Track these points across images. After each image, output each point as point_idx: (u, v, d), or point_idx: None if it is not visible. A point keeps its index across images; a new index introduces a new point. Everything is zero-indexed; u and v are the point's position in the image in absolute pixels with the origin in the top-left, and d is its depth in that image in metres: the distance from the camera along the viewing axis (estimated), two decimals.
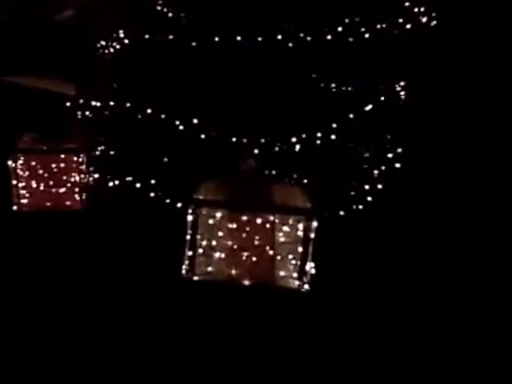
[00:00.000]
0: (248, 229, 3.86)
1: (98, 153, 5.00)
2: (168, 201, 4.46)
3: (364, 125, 4.73)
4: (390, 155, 4.83)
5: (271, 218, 3.85)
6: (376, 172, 4.78)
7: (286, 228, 3.85)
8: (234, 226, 3.87)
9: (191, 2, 4.49)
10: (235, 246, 3.88)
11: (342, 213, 4.59)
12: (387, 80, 4.96)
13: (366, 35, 4.53)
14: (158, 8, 4.58)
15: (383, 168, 4.80)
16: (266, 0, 4.28)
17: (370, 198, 4.68)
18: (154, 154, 4.52)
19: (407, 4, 4.74)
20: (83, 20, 6.49)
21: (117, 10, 5.07)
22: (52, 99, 6.29)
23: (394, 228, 4.88)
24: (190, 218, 3.88)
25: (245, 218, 3.85)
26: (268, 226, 3.85)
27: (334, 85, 4.62)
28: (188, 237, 3.92)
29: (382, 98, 4.93)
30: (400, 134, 4.91)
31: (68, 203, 5.34)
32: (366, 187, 4.69)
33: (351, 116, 4.69)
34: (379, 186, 4.71)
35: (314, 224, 3.83)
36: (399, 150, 4.84)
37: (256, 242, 3.87)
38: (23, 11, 10.97)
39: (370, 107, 4.79)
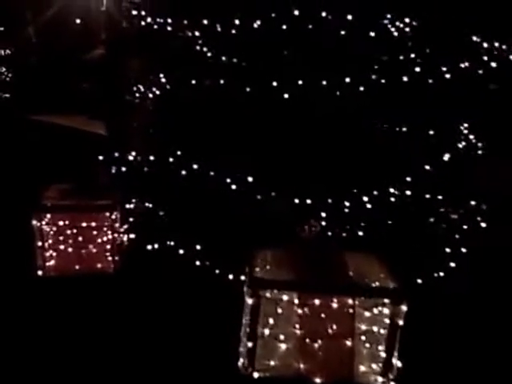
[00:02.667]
0: (320, 314, 3.18)
1: (133, 208, 4.44)
2: (217, 272, 3.85)
3: (441, 177, 4.08)
4: (473, 213, 4.18)
5: (349, 300, 3.17)
6: (457, 231, 4.13)
7: (367, 313, 3.17)
8: (304, 310, 3.19)
9: (239, 41, 3.86)
10: (305, 335, 3.20)
11: (419, 281, 3.94)
12: (468, 125, 4.31)
13: (447, 75, 3.89)
14: (205, 49, 3.96)
15: (466, 227, 4.14)
16: (335, 35, 3.66)
17: (452, 264, 4.01)
18: (200, 216, 3.90)
19: (490, 42, 4.11)
20: (117, 59, 6.05)
21: (153, 49, 4.49)
22: (82, 148, 5.79)
23: (487, 299, 4.16)
24: (249, 301, 3.21)
25: (316, 301, 3.17)
26: (345, 310, 3.17)
27: (408, 133, 3.98)
28: (246, 323, 3.25)
29: (461, 146, 4.31)
30: (482, 187, 4.25)
31: (99, 266, 4.72)
32: (448, 250, 4.04)
33: (427, 167, 4.06)
34: (463, 250, 4.05)
35: (403, 308, 3.14)
36: (483, 207, 4.19)
37: (330, 330, 3.19)
38: (56, 50, 10.71)
39: (447, 157, 4.16)
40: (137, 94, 4.50)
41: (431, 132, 4.05)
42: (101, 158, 4.20)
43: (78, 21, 11.90)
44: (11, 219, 5.41)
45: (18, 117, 9.45)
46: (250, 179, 3.67)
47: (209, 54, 3.95)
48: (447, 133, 4.17)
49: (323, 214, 3.69)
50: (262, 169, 3.66)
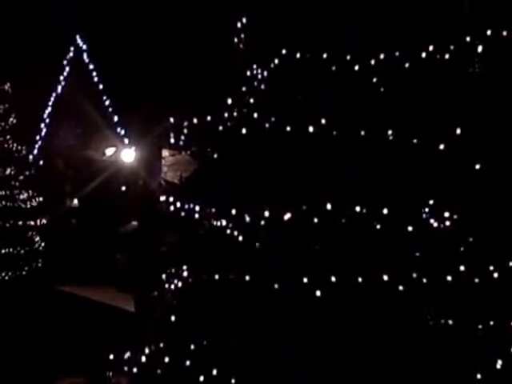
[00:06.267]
0: None
1: None
2: None
3: None
4: None
5: None
6: None
7: None
8: None
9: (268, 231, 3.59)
10: None
11: None
12: None
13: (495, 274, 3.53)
14: (231, 237, 3.73)
15: None
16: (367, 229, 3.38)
17: None
18: None
19: None
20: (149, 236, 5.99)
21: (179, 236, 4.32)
22: (103, 331, 5.52)
23: None
24: None
25: None
26: None
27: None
28: None
29: None
30: None
31: None
32: None
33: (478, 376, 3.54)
34: None
35: None
36: None
37: None
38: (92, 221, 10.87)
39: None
40: (162, 279, 4.22)
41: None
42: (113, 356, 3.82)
43: (114, 194, 12.20)
44: None
45: (44, 288, 9.30)
46: None
47: (235, 243, 3.72)
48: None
49: None
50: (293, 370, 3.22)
